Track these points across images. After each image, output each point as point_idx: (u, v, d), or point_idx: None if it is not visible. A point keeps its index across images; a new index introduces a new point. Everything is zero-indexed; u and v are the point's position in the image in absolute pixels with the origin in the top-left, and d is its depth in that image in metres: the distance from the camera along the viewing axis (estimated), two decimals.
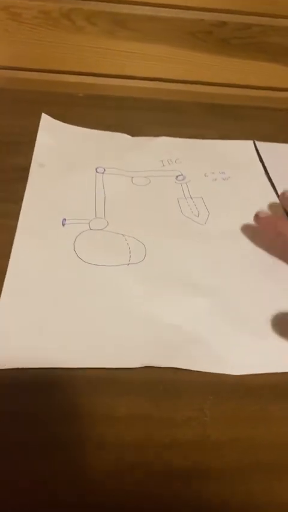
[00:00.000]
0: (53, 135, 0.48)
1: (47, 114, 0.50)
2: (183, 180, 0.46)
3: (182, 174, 0.46)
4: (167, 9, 0.53)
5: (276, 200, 0.44)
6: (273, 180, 0.47)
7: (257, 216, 0.40)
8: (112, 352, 0.30)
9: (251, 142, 0.52)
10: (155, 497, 0.25)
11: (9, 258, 0.35)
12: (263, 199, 0.44)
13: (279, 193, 0.45)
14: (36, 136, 0.47)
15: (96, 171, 0.45)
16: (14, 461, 0.25)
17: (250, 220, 0.41)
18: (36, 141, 0.46)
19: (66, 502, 0.24)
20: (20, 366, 0.29)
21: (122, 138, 0.50)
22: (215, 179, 0.46)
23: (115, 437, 0.26)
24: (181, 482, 0.25)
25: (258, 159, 0.50)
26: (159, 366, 0.30)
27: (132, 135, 0.51)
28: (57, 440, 0.26)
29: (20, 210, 0.39)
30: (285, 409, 0.29)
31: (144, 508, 0.24)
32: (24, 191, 0.41)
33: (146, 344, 0.31)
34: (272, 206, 0.44)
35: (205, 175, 0.47)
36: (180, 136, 0.51)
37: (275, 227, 0.39)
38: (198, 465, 0.26)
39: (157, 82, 0.59)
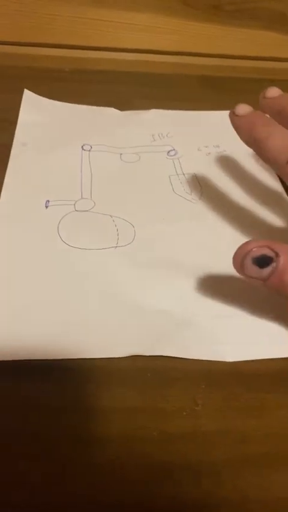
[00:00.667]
0: (36, 112, 0.45)
1: (30, 90, 0.47)
2: (175, 155, 0.43)
3: (173, 149, 0.44)
4: None
5: (274, 175, 0.42)
6: None
7: (233, 113, 0.31)
8: (98, 341, 0.28)
9: None
10: (142, 493, 0.23)
11: None
12: (260, 174, 0.42)
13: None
14: (18, 113, 0.45)
15: (82, 149, 0.42)
16: None
17: (246, 197, 0.39)
18: (18, 119, 0.44)
19: (46, 496, 0.22)
20: (1, 359, 0.27)
21: (109, 113, 0.47)
22: (209, 153, 0.44)
23: (99, 431, 0.25)
24: (170, 477, 0.24)
25: None
26: (148, 354, 0.28)
27: (122, 110, 0.48)
28: (38, 434, 0.24)
29: (0, 192, 0.37)
30: (281, 398, 0.27)
31: (131, 503, 0.23)
32: (5, 171, 0.38)
33: (134, 332, 0.29)
34: (268, 180, 0.41)
35: (198, 149, 0.44)
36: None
37: (253, 132, 0.30)
38: (189, 458, 0.24)
39: (147, 54, 0.56)
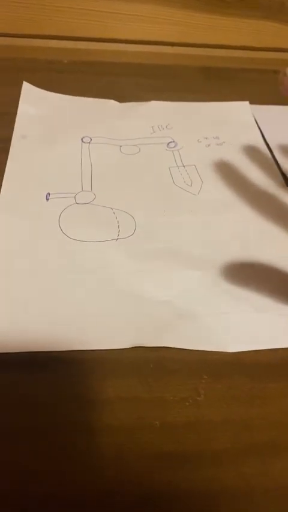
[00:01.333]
0: (35, 104, 0.45)
1: (29, 82, 0.47)
2: (174, 147, 0.43)
3: (173, 141, 0.44)
4: None
5: (274, 166, 0.42)
6: (269, 144, 0.44)
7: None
8: (100, 332, 0.29)
9: (246, 103, 0.49)
10: (146, 482, 0.23)
11: None
12: (260, 164, 0.42)
13: (276, 157, 0.43)
14: (17, 105, 0.44)
15: (82, 141, 0.42)
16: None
17: (246, 188, 0.39)
18: (18, 112, 0.44)
19: (52, 487, 0.23)
20: (3, 351, 0.27)
21: (109, 105, 0.47)
22: (209, 145, 0.44)
23: (103, 421, 0.25)
24: (173, 467, 0.24)
25: (254, 122, 0.47)
26: (150, 345, 0.28)
27: (122, 102, 0.48)
28: (43, 424, 0.25)
29: (0, 186, 0.37)
30: (282, 388, 0.27)
31: (135, 493, 0.23)
32: (5, 164, 0.38)
33: (135, 323, 0.29)
34: (269, 171, 0.41)
35: (198, 141, 0.44)
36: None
37: None
38: (192, 447, 0.25)
39: (146, 45, 0.56)
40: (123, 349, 0.28)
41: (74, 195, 0.37)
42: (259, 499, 0.23)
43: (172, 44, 0.57)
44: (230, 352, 0.28)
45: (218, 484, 0.24)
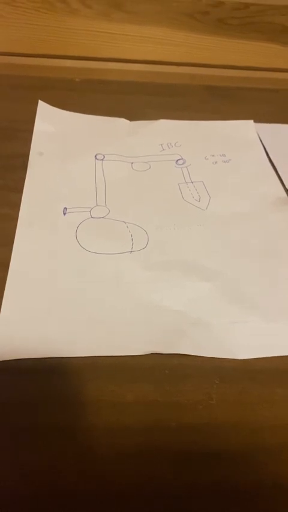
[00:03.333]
0: (50, 123, 0.47)
1: (44, 100, 0.49)
2: (183, 164, 0.45)
3: (182, 158, 0.46)
4: None
5: (277, 182, 0.44)
6: (273, 162, 0.47)
7: None
8: (117, 340, 0.31)
9: (251, 121, 0.52)
10: (162, 480, 0.25)
11: (11, 246, 0.35)
12: (264, 181, 0.44)
13: (280, 174, 0.45)
14: (33, 122, 0.47)
15: (96, 158, 0.44)
16: (21, 447, 0.25)
17: (251, 203, 0.41)
18: (34, 130, 0.46)
19: (70, 486, 0.24)
20: (27, 356, 0.29)
21: (120, 123, 0.49)
22: (216, 162, 0.46)
23: (123, 423, 0.27)
24: (186, 466, 0.26)
25: (259, 140, 0.49)
26: (164, 352, 0.30)
27: (131, 119, 0.50)
28: (67, 427, 0.26)
29: (20, 198, 0.39)
30: None
31: (152, 491, 0.25)
32: (24, 179, 0.40)
33: (151, 331, 0.31)
34: (273, 187, 0.44)
35: (205, 158, 0.47)
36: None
37: None
38: (205, 448, 0.26)
39: (155, 65, 0.59)
40: (140, 356, 0.30)
41: (89, 209, 0.39)
42: (269, 495, 0.25)
43: (178, 64, 0.59)
44: (240, 359, 0.30)
45: (230, 480, 0.25)
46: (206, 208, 0.41)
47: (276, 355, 0.31)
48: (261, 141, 0.49)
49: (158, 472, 0.25)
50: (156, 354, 0.30)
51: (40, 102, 0.49)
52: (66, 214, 0.38)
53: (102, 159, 0.44)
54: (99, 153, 0.45)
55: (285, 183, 0.44)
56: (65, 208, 0.39)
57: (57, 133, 0.47)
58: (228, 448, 0.27)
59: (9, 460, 0.25)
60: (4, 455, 0.25)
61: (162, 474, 0.25)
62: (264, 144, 0.49)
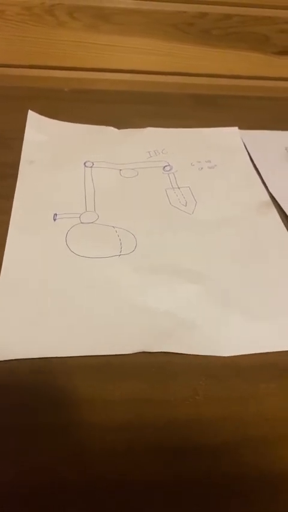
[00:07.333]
0: (40, 132, 0.48)
1: (33, 110, 0.51)
2: (170, 170, 0.47)
3: (169, 165, 0.47)
4: (148, 1, 0.54)
5: (262, 187, 0.46)
6: (257, 167, 0.48)
7: None
8: (107, 340, 0.31)
9: (236, 128, 0.53)
10: (152, 475, 0.26)
11: (2, 251, 0.36)
12: (249, 186, 0.46)
13: (264, 179, 0.46)
14: (23, 131, 0.48)
15: (85, 166, 0.46)
16: (17, 446, 0.26)
17: (236, 208, 0.43)
18: (24, 139, 0.47)
19: (66, 483, 0.25)
20: (19, 357, 0.30)
21: (108, 132, 0.51)
22: (201, 168, 0.48)
23: (112, 420, 0.28)
24: (176, 460, 0.26)
25: (243, 146, 0.51)
26: (152, 351, 0.31)
27: (119, 128, 0.51)
28: (57, 424, 0.27)
29: (11, 205, 0.40)
30: (274, 387, 0.30)
31: (144, 485, 0.26)
32: (14, 186, 0.42)
33: (139, 331, 0.32)
34: (257, 192, 0.45)
35: (191, 164, 0.48)
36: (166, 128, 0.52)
37: None
38: (192, 443, 0.27)
39: (142, 75, 0.60)
40: (129, 354, 0.31)
41: (79, 215, 0.40)
42: (253, 485, 0.26)
43: (165, 74, 0.61)
44: (225, 356, 0.31)
45: (218, 473, 0.26)
46: (193, 212, 0.42)
47: (260, 351, 0.32)
48: (245, 147, 0.51)
49: (148, 467, 0.26)
50: (144, 352, 0.31)
51: (30, 112, 0.50)
52: (57, 220, 0.39)
53: (91, 167, 0.46)
54: (88, 161, 0.46)
55: (269, 187, 0.46)
56: (55, 214, 0.40)
57: (47, 142, 0.48)
58: (216, 442, 0.27)
59: (3, 458, 0.26)
60: None
61: (153, 469, 0.26)
62: (249, 150, 0.50)
